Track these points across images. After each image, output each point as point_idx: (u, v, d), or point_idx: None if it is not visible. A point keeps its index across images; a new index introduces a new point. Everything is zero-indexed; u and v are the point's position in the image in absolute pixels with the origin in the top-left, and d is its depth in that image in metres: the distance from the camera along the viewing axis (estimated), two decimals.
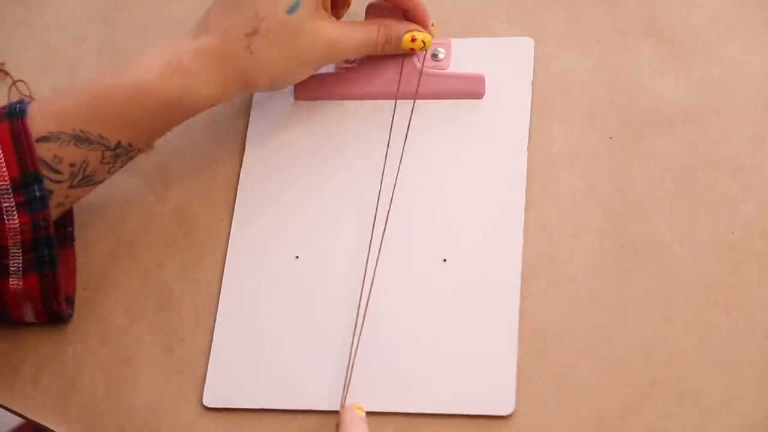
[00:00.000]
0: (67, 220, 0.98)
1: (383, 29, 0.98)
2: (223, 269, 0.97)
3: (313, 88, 1.02)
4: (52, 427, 0.94)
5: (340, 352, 0.91)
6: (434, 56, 1.02)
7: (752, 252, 0.91)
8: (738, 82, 0.97)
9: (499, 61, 1.01)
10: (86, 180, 0.94)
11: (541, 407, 0.88)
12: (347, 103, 1.01)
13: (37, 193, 0.91)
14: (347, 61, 1.02)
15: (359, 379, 0.90)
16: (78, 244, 1.00)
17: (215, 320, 0.95)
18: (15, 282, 0.92)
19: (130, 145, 0.94)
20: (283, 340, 0.93)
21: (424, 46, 0.99)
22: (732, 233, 0.92)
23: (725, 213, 0.93)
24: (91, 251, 1.00)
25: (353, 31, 0.97)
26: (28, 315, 0.95)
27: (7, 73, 1.10)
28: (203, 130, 1.03)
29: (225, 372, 0.93)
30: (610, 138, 0.97)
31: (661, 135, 0.96)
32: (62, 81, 1.08)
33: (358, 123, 1.00)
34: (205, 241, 0.98)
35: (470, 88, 1.00)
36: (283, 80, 0.97)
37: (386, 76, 1.00)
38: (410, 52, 0.99)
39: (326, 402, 0.90)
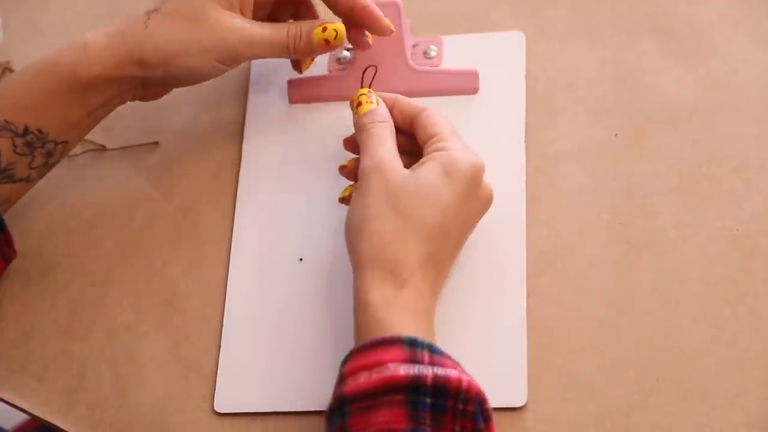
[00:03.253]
0: None
1: (293, 26, 0.95)
2: (228, 267, 0.97)
3: (308, 90, 1.02)
4: (58, 424, 0.94)
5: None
6: (426, 54, 1.02)
7: (757, 249, 0.91)
8: (743, 79, 0.98)
9: (492, 56, 1.01)
10: (6, 174, 0.94)
11: (547, 403, 0.88)
12: (342, 104, 1.01)
13: None
14: (339, 62, 1.02)
15: None
16: (84, 241, 1.00)
17: (222, 324, 0.95)
18: None
19: (40, 131, 0.94)
20: (291, 343, 0.93)
21: (337, 35, 0.95)
22: (737, 230, 0.92)
23: (730, 210, 0.93)
24: (97, 248, 1.00)
25: (260, 26, 0.95)
26: None
27: (13, 71, 1.10)
28: (206, 128, 1.03)
29: (234, 377, 0.92)
30: (615, 135, 0.97)
31: (666, 132, 0.96)
32: None
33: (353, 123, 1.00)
34: (210, 238, 0.98)
35: (465, 84, 1.00)
36: (177, 63, 0.94)
37: (379, 75, 1.00)
38: (326, 46, 0.95)
39: None
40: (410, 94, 0.99)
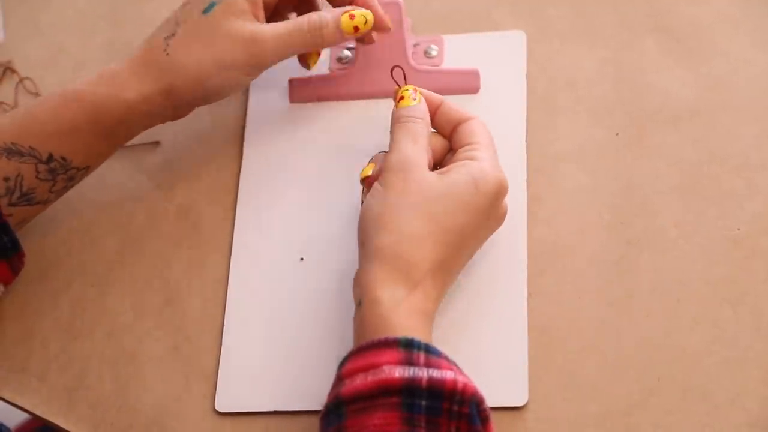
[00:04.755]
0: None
1: (311, 16, 0.94)
2: (229, 267, 0.97)
3: (308, 90, 1.02)
4: (59, 424, 0.94)
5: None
6: (427, 53, 1.02)
7: (758, 248, 0.91)
8: (744, 78, 0.97)
9: (493, 56, 1.01)
10: (26, 198, 0.94)
11: (548, 403, 0.88)
12: (343, 103, 1.01)
13: None
14: (341, 62, 1.02)
15: None
16: (85, 240, 1.00)
17: (223, 323, 0.95)
18: None
19: (63, 159, 0.93)
20: (292, 343, 0.93)
21: (367, 21, 0.95)
22: (738, 230, 0.92)
23: (731, 209, 0.93)
24: (98, 248, 1.00)
25: (276, 26, 0.94)
26: None
27: (14, 71, 1.10)
28: (208, 127, 1.03)
29: (235, 376, 0.92)
30: (616, 134, 0.97)
31: (667, 131, 0.96)
32: (68, 78, 1.08)
33: (354, 123, 1.00)
34: (211, 238, 0.98)
35: (465, 83, 1.00)
36: (205, 84, 0.94)
37: (380, 75, 1.00)
38: (355, 33, 0.95)
39: None
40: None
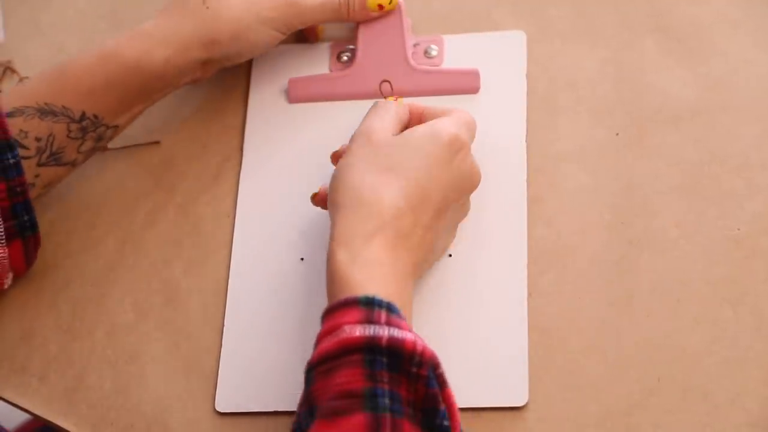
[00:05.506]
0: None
1: None
2: (229, 267, 0.97)
3: (308, 90, 1.02)
4: (59, 424, 0.94)
5: None
6: (427, 53, 1.02)
7: (758, 248, 0.91)
8: (744, 78, 0.97)
9: (493, 56, 1.01)
10: (55, 157, 0.94)
11: (548, 403, 0.88)
12: (343, 103, 1.01)
13: (11, 160, 0.92)
14: (340, 62, 1.02)
15: None
16: (85, 241, 1.00)
17: (223, 323, 0.95)
18: (1, 252, 0.93)
19: (96, 117, 0.95)
20: (292, 342, 0.93)
21: (392, 2, 0.99)
22: (738, 230, 0.92)
23: (731, 209, 0.93)
24: (98, 248, 1.00)
25: None
26: (8, 281, 0.96)
27: (14, 71, 1.10)
28: (208, 127, 1.03)
29: (235, 376, 0.93)
30: (617, 134, 0.97)
31: (667, 131, 0.96)
32: None
33: (354, 123, 1.00)
34: (211, 238, 0.98)
35: (465, 84, 1.00)
36: (245, 38, 0.97)
37: (381, 75, 1.00)
38: (380, 11, 0.99)
39: None
40: (411, 93, 1.00)
